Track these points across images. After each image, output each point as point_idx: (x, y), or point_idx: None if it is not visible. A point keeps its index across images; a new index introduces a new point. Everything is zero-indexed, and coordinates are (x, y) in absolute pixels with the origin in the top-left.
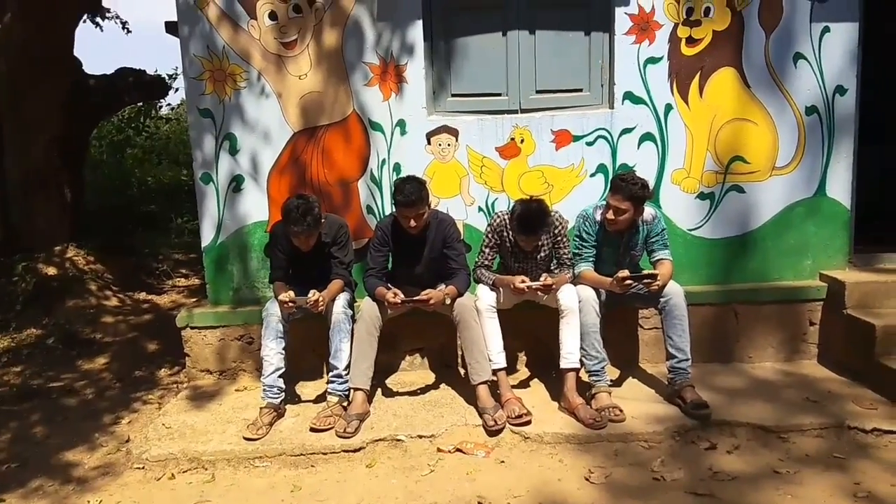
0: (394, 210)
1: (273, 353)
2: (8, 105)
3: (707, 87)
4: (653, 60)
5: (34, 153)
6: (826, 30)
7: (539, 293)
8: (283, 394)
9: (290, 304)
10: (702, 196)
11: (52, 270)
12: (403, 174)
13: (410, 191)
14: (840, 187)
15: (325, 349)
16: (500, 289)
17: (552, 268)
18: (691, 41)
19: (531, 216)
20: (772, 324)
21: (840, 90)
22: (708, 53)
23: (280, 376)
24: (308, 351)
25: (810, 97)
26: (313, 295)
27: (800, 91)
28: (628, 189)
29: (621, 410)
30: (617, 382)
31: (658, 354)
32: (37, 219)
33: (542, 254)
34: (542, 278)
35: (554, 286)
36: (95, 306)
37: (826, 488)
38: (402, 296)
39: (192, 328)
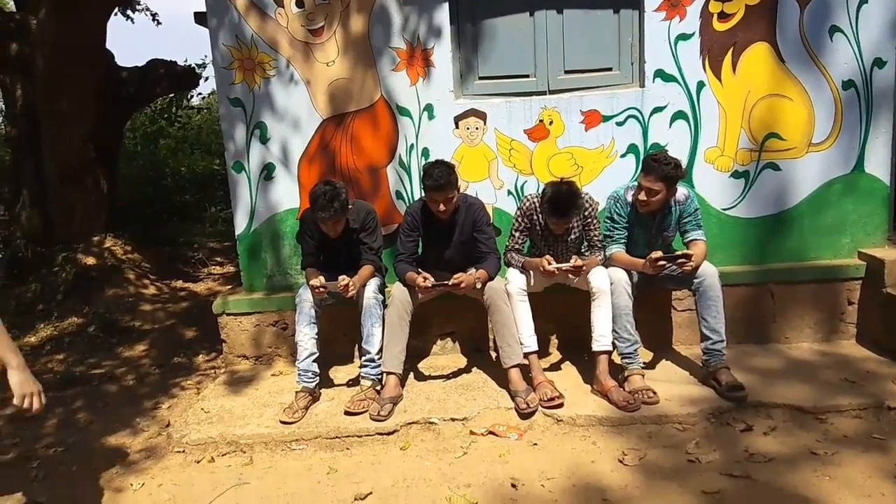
0: (423, 195)
1: (307, 338)
2: (44, 99)
3: (740, 63)
4: (684, 37)
5: (70, 146)
6: (864, 0)
7: (569, 275)
8: (318, 378)
9: (321, 289)
10: (736, 174)
11: (91, 260)
12: (432, 159)
13: (439, 175)
14: (879, 163)
15: (357, 334)
16: (530, 272)
17: (583, 250)
18: (723, 16)
19: (562, 198)
20: (809, 304)
21: (878, 63)
22: (741, 28)
23: (314, 361)
24: (341, 336)
25: (847, 71)
26: (343, 280)
27: (836, 65)
28: (661, 169)
29: (655, 392)
30: (650, 365)
31: (692, 336)
32: (73, 210)
33: (573, 236)
34: (571, 260)
35: (584, 268)
36: (134, 295)
37: (865, 469)
38: (432, 280)
39: (227, 315)
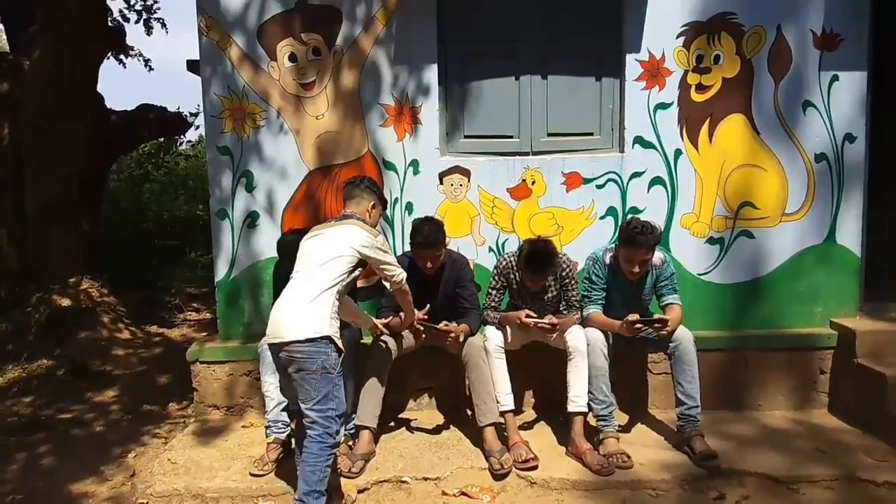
0: (407, 250)
1: (272, 387)
2: (31, 138)
3: (717, 133)
4: (663, 106)
5: (53, 186)
6: (835, 78)
7: (546, 333)
8: (289, 428)
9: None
10: (711, 241)
11: (65, 302)
12: (416, 213)
13: (429, 232)
14: (850, 235)
15: None
16: (507, 327)
17: (561, 309)
18: (701, 88)
19: (538, 255)
20: (782, 371)
21: (849, 138)
22: (717, 100)
23: (283, 410)
24: None
25: (820, 144)
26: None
27: (809, 138)
28: (647, 239)
29: (629, 457)
30: (625, 428)
31: (667, 400)
32: (53, 250)
33: (550, 295)
34: (547, 318)
35: (559, 326)
36: (107, 339)
37: None
38: (419, 314)
39: (201, 362)
